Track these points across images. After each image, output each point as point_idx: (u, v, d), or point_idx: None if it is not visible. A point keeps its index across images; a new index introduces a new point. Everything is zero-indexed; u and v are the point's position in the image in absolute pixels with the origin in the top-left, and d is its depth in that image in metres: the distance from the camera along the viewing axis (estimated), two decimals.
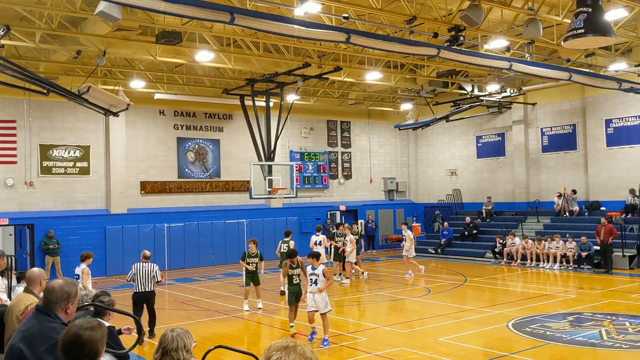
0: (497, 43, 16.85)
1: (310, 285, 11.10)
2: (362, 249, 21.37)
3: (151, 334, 11.63)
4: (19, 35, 15.53)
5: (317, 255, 11.49)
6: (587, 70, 19.34)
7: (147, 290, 11.61)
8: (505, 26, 16.27)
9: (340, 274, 19.34)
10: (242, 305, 14.78)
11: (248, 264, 14.58)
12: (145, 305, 11.65)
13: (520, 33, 15.76)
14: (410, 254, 19.93)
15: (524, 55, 17.09)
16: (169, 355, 4.08)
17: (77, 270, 11.68)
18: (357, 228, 21.41)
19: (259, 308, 14.64)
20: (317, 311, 11.00)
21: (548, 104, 26.05)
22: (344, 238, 19.40)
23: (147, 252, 11.98)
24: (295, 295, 11.74)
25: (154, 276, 11.62)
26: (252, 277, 14.62)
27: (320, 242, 18.53)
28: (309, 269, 11.21)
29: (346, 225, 19.97)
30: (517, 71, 17.04)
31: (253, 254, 14.70)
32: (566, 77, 17.26)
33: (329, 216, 28.40)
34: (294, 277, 11.70)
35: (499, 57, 16.37)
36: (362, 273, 19.90)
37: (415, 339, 11.37)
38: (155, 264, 11.81)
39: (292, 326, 11.72)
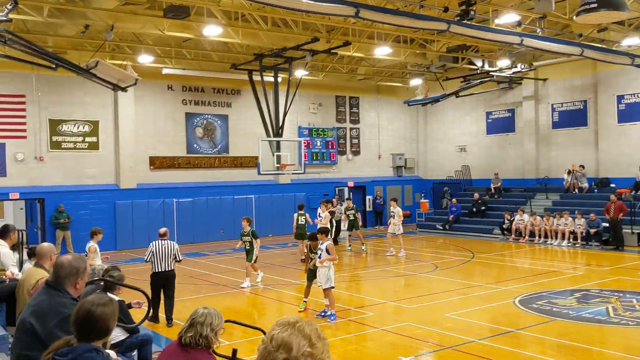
0: (508, 17, 16.61)
1: (318, 259, 11.25)
2: (360, 223, 21.23)
3: (169, 322, 10.75)
4: (26, 9, 15.47)
5: (325, 232, 11.63)
6: (600, 46, 19.07)
7: (166, 270, 10.86)
8: (516, 0, 16.02)
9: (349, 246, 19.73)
10: (253, 280, 14.83)
11: (244, 242, 14.44)
12: (163, 289, 10.92)
13: (532, 7, 15.53)
14: (397, 230, 19.52)
15: (536, 30, 16.86)
16: (194, 327, 4.24)
17: (87, 247, 11.81)
18: (351, 203, 21.36)
19: (242, 287, 14.32)
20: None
21: (559, 79, 25.75)
22: (345, 212, 20.63)
23: (163, 229, 11.33)
24: (312, 275, 11.76)
25: (174, 255, 10.97)
26: (246, 255, 14.42)
27: (324, 216, 18.87)
28: (318, 244, 11.33)
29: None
30: (528, 46, 16.86)
31: (245, 232, 14.40)
32: (578, 52, 17.06)
33: (337, 192, 28.42)
34: (313, 259, 11.66)
35: (510, 32, 16.18)
36: (362, 245, 20.53)
37: (421, 314, 11.45)
38: (174, 242, 11.20)
39: (304, 301, 11.80)
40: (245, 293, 14.03)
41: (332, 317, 10.96)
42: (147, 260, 11.05)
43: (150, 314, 10.55)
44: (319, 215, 18.93)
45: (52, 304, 3.78)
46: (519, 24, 16.83)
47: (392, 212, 19.83)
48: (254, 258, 14.32)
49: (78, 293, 3.96)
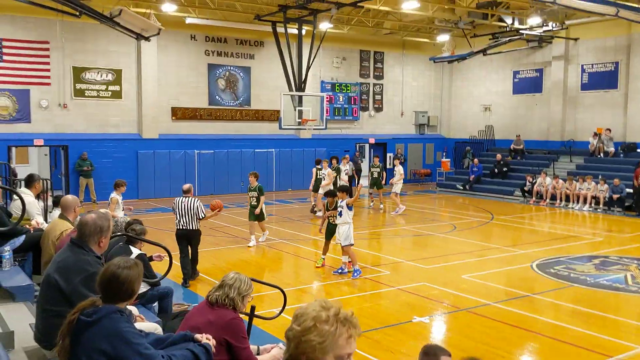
0: None
1: (338, 217, 11.30)
2: (383, 182, 20.87)
3: (193, 277, 10.70)
4: None
5: (345, 190, 11.70)
6: (636, 6, 18.36)
7: (189, 228, 10.57)
8: None
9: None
10: (258, 238, 14.36)
11: (250, 198, 14.02)
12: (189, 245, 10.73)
13: None
14: (396, 189, 19.74)
15: None
16: (223, 288, 4.38)
17: (110, 197, 12.03)
18: (378, 161, 21.06)
19: (259, 242, 14.24)
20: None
21: (591, 39, 24.97)
22: (370, 169, 20.65)
23: (186, 186, 10.95)
24: (330, 233, 11.80)
25: (196, 213, 10.59)
26: (253, 212, 13.87)
27: (327, 173, 18.79)
28: (338, 202, 11.36)
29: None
30: (561, 5, 16.31)
31: (252, 187, 13.97)
32: (613, 12, 16.49)
33: (357, 149, 28.32)
34: (331, 218, 11.65)
35: None
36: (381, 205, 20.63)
37: (438, 274, 11.52)
38: (197, 199, 10.80)
39: (323, 258, 11.97)
40: (263, 246, 14.19)
41: (357, 273, 11.10)
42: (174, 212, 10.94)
43: (173, 267, 10.57)
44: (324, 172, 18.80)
45: (77, 261, 3.87)
46: None
47: (394, 171, 20.10)
48: (265, 216, 14.17)
49: (102, 251, 4.05)
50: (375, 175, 20.51)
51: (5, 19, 20.22)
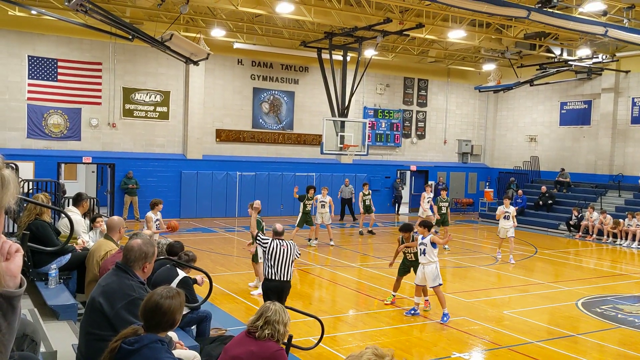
0: (593, 6, 15.77)
1: (420, 255, 10.44)
2: (449, 219, 19.57)
3: None
4: None
5: (427, 225, 10.55)
6: None
7: (283, 279, 8.55)
8: None
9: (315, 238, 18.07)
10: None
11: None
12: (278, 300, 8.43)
13: None
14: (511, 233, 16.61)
15: (622, 20, 15.95)
16: (270, 325, 4.46)
17: (145, 216, 12.31)
18: (446, 195, 18.75)
19: (251, 294, 11.69)
20: (424, 285, 10.57)
21: None
22: (438, 204, 18.17)
23: (280, 226, 8.86)
24: (404, 269, 11.16)
25: (294, 259, 8.80)
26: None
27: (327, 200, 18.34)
28: (418, 238, 10.54)
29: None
30: (612, 37, 16.01)
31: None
32: None
33: (398, 175, 28.17)
34: (408, 254, 11.03)
35: (594, 21, 15.39)
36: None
37: (478, 309, 11.24)
38: (293, 244, 8.87)
39: (393, 295, 11.25)
40: (299, 272, 14.15)
41: (446, 317, 10.13)
42: (259, 236, 8.88)
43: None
44: (321, 200, 18.18)
45: (121, 285, 3.94)
46: (605, 13, 15.97)
47: (507, 212, 16.48)
48: (258, 258, 11.22)
49: (146, 276, 4.11)
50: (444, 210, 18.20)
51: (62, 41, 21.03)
